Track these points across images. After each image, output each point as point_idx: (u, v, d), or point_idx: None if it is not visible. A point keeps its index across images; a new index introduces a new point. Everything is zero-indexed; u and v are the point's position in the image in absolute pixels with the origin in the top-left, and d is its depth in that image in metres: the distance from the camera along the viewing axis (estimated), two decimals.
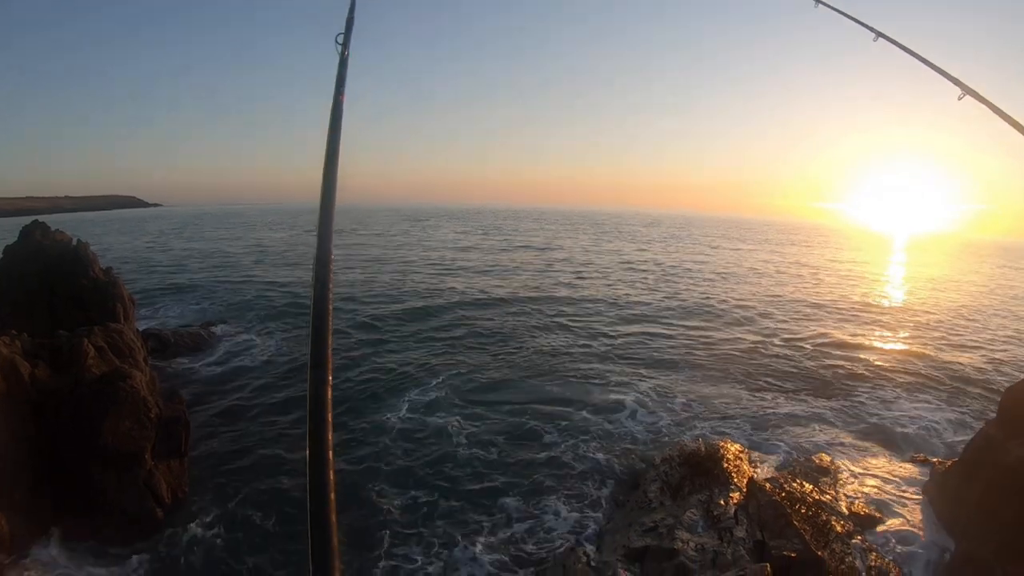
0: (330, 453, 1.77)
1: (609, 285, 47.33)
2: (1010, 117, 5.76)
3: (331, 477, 1.71)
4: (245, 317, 32.25)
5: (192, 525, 13.91)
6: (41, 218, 29.38)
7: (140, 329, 24.63)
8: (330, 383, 1.95)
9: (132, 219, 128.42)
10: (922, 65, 7.02)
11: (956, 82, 6.42)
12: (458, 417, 19.79)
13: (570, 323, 32.94)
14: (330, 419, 1.87)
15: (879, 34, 7.82)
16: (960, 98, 6.33)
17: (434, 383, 22.71)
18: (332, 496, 1.67)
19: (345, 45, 3.75)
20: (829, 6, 8.90)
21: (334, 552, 1.55)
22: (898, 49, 7.49)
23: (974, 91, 6.24)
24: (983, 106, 6.12)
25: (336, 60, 3.64)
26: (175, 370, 23.10)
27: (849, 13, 8.55)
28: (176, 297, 37.78)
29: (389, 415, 19.67)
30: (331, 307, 2.16)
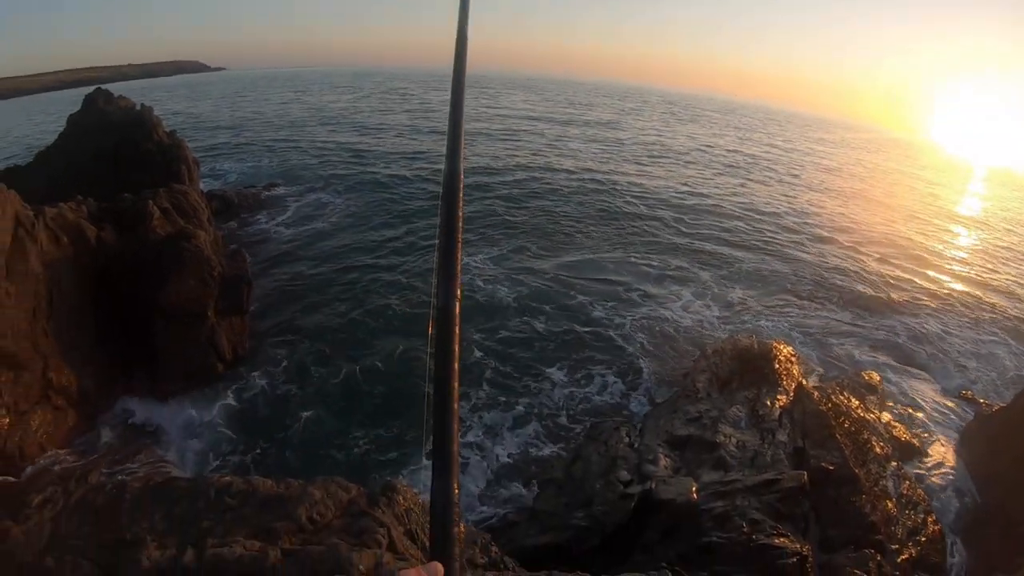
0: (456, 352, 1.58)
1: (681, 171, 45.65)
2: None
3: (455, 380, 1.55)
4: (307, 179, 32.39)
5: (250, 379, 14.54)
6: (105, 86, 29.51)
7: (204, 190, 24.96)
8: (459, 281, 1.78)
9: (196, 83, 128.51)
10: None
11: None
12: (512, 285, 19.85)
13: (637, 206, 32.20)
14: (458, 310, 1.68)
15: None
16: None
17: (495, 251, 22.69)
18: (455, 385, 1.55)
19: None
20: None
21: (454, 436, 1.49)
22: None
23: None
24: None
25: None
26: (239, 230, 23.47)
27: None
28: (240, 158, 38.16)
29: None
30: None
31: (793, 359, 16.21)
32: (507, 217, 26.87)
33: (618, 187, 35.22)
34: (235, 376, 14.56)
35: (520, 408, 13.96)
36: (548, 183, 34.24)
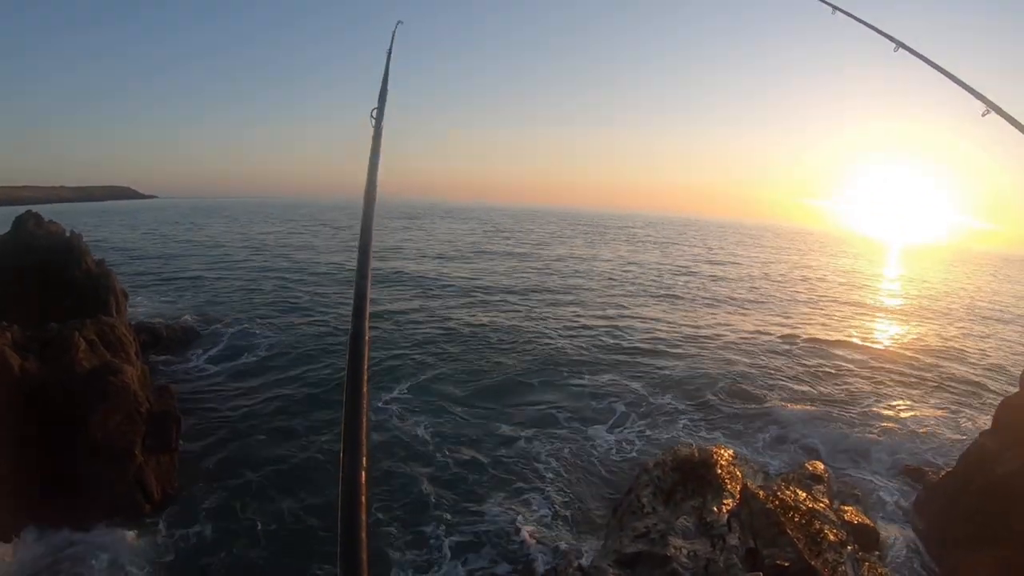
0: (364, 450, 1.71)
1: (610, 285, 47.23)
2: None
3: (364, 478, 1.65)
4: (237, 310, 32.12)
5: (179, 521, 13.79)
6: (38, 208, 29.31)
7: (132, 322, 24.48)
8: (366, 378, 1.91)
9: (128, 210, 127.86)
10: (943, 78, 6.94)
11: (981, 98, 6.28)
12: (431, 417, 19.70)
13: (562, 319, 32.93)
14: (366, 421, 1.80)
15: (900, 44, 7.69)
16: (984, 114, 6.20)
17: (421, 378, 22.67)
18: (364, 499, 1.62)
19: (379, 119, 3.71)
20: (848, 14, 8.76)
21: (363, 547, 1.52)
22: (918, 60, 7.40)
23: (1000, 108, 6.10)
24: (1008, 124, 5.97)
25: (370, 133, 3.58)
26: (167, 364, 22.92)
27: (869, 22, 8.42)
28: (169, 289, 37.62)
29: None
30: (368, 297, 2.17)
31: (736, 461, 16.30)
32: (425, 347, 26.78)
33: (543, 312, 35.74)
34: (162, 516, 13.88)
35: (447, 551, 13.51)
36: (469, 310, 34.67)
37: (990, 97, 6.21)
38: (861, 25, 8.49)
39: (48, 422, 14.26)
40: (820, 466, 16.77)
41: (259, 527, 13.67)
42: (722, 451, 16.72)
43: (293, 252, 59.01)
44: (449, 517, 14.45)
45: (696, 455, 16.58)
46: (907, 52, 7.53)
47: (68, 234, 26.77)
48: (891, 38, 7.79)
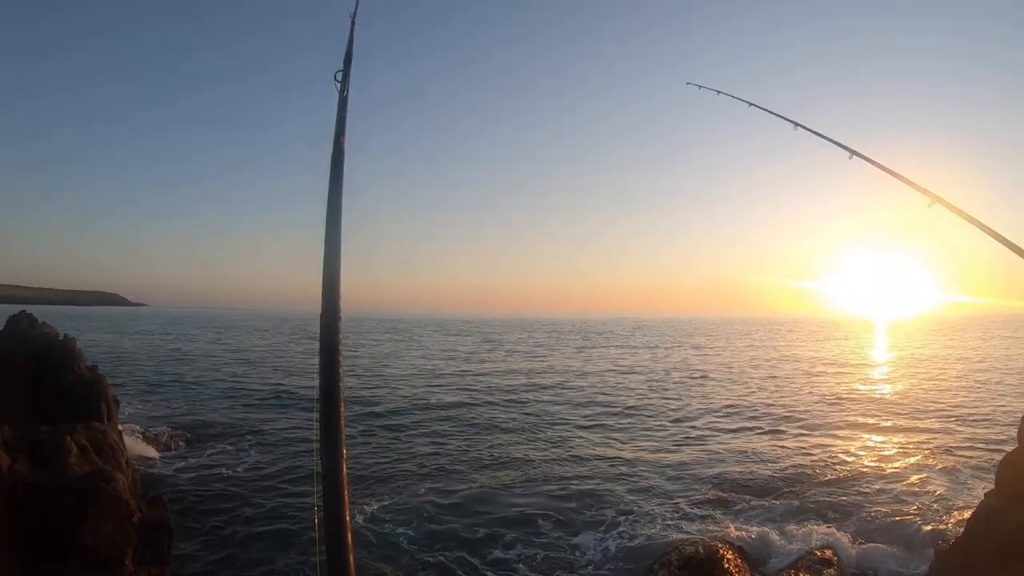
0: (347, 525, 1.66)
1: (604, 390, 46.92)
2: (977, 221, 6.30)
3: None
4: (229, 419, 31.72)
5: None
6: (26, 307, 29.31)
7: (122, 429, 24.03)
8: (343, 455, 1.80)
9: (116, 317, 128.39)
10: (893, 178, 7.52)
11: (925, 192, 6.94)
12: (412, 529, 18.96)
13: (545, 424, 32.54)
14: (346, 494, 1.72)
15: (853, 152, 8.42)
16: (930, 206, 6.81)
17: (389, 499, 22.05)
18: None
19: (344, 82, 3.42)
20: (808, 129, 9.49)
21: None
22: (871, 165, 8.09)
23: (942, 199, 6.75)
24: (952, 212, 6.62)
25: (335, 99, 3.29)
26: (158, 473, 22.36)
27: (826, 135, 9.18)
28: (159, 398, 37.26)
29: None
30: (342, 357, 2.05)
31: (743, 556, 16.03)
32: (400, 456, 26.21)
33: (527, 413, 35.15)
34: None
35: None
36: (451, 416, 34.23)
37: (935, 190, 6.91)
38: (822, 138, 9.26)
39: (36, 527, 13.73)
40: (829, 552, 16.40)
41: None
42: (728, 545, 16.49)
43: (280, 362, 59.02)
44: None
45: (701, 551, 16.24)
46: (861, 159, 8.26)
47: (62, 337, 26.62)
48: (847, 148, 8.56)
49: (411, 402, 40.53)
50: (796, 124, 9.76)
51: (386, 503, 20.67)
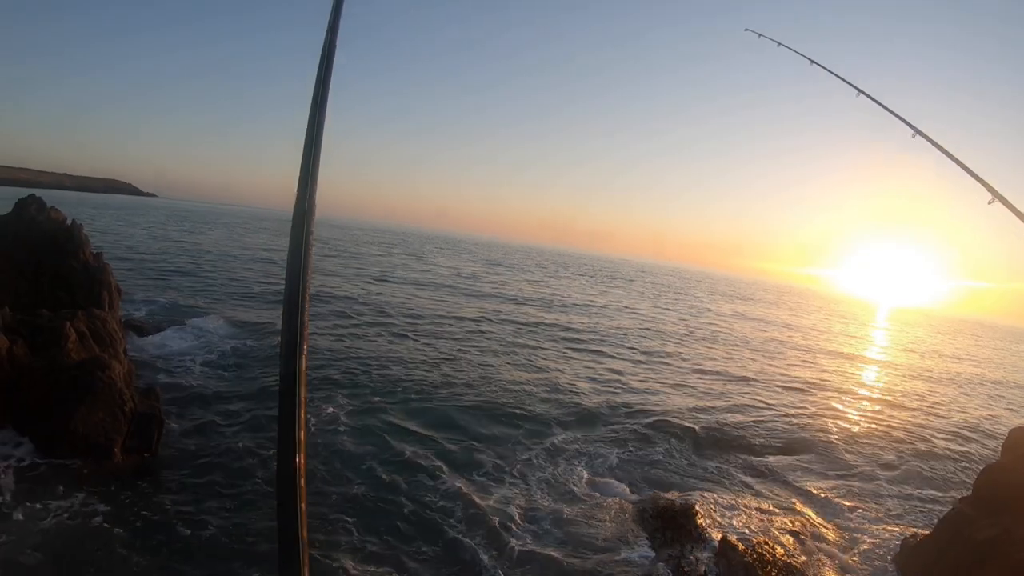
0: (302, 439, 1.69)
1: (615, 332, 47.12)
2: None
3: (301, 464, 1.65)
4: (230, 313, 32.12)
5: (144, 501, 13.45)
6: (38, 192, 29.11)
7: (123, 318, 24.32)
8: (304, 371, 1.83)
9: (127, 206, 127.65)
10: (953, 165, 7.10)
11: (989, 188, 6.48)
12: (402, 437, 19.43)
13: (554, 358, 32.79)
14: (303, 414, 1.76)
15: (917, 131, 7.85)
16: (990, 203, 6.37)
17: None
18: (302, 483, 1.63)
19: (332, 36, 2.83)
20: (871, 98, 8.99)
21: (303, 544, 1.54)
22: (932, 147, 7.60)
23: (1004, 198, 6.25)
24: (1012, 213, 6.03)
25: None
26: (155, 363, 22.63)
27: (890, 107, 8.58)
28: (162, 288, 37.45)
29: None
30: (307, 293, 1.97)
31: (716, 512, 16.58)
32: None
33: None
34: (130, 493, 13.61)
35: None
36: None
37: (996, 186, 6.44)
38: (885, 110, 8.67)
39: (29, 410, 14.10)
40: (799, 520, 16.84)
41: (226, 539, 13.06)
42: (703, 501, 16.93)
43: (281, 265, 59.25)
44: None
45: (676, 504, 16.67)
46: (924, 140, 7.76)
47: (69, 223, 26.56)
48: (911, 125, 8.00)
49: (414, 312, 40.96)
50: (859, 91, 9.25)
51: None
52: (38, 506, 12.48)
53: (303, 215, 2.13)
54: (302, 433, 1.71)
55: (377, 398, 22.47)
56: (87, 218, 49.04)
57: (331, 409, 20.66)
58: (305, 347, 1.86)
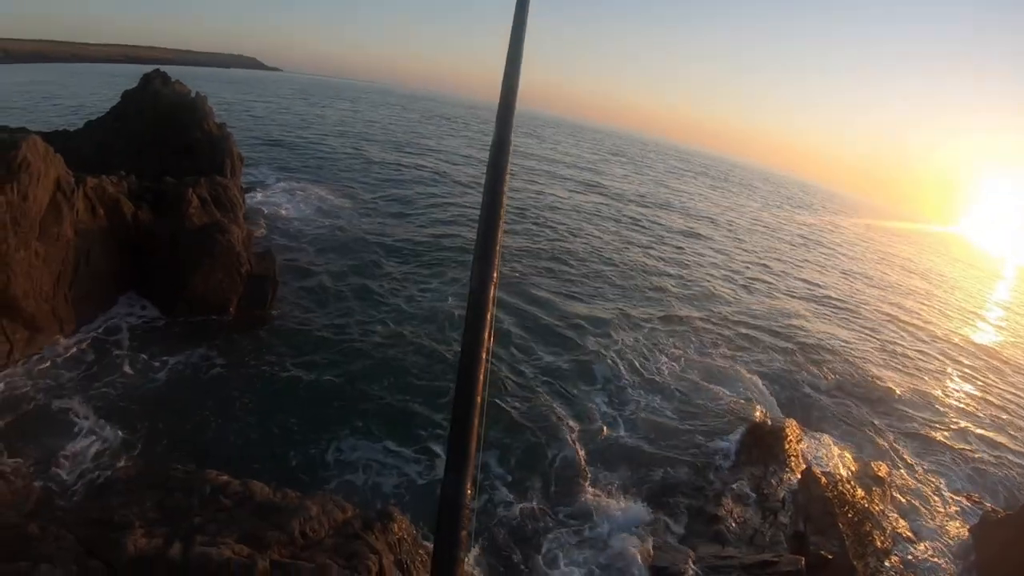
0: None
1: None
2: None
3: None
4: (351, 187, 32.77)
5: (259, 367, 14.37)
6: (164, 68, 29.82)
7: (244, 186, 25.11)
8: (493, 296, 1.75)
9: (252, 79, 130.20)
10: None
11: None
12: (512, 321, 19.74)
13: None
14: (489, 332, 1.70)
15: None
16: None
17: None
18: (477, 418, 1.59)
19: None
20: None
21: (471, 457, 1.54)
22: None
23: None
24: None
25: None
26: (272, 228, 23.43)
27: None
28: (285, 158, 38.37)
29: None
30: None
31: (804, 441, 16.22)
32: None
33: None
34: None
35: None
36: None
37: None
38: None
39: (153, 270, 14.91)
40: (885, 468, 15.99)
41: (329, 402, 13.66)
42: (794, 427, 16.50)
43: (415, 139, 59.99)
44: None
45: (768, 424, 16.45)
46: None
47: (193, 95, 27.26)
48: None
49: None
50: None
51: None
52: (156, 361, 13.51)
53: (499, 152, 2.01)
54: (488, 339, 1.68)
55: None
56: (212, 91, 50.14)
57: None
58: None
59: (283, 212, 25.83)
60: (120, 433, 11.23)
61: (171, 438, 11.50)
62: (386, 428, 12.91)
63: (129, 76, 31.81)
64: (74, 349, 13.23)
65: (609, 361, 18.71)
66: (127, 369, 13.06)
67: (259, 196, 27.05)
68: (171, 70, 30.38)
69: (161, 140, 23.96)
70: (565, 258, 27.97)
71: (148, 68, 29.81)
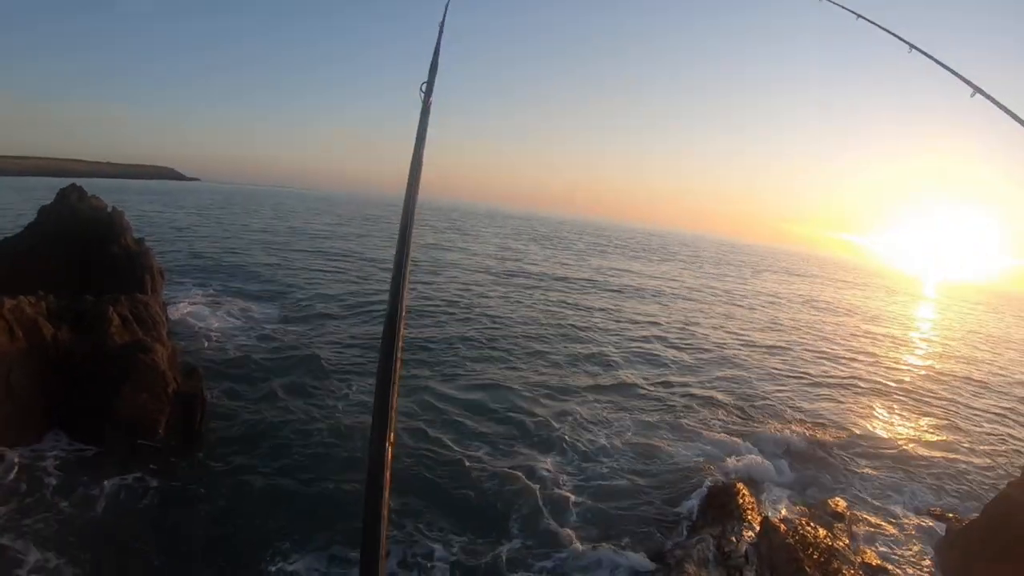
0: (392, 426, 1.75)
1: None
2: None
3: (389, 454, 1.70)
4: (276, 299, 32.18)
5: (194, 477, 13.92)
6: (81, 182, 29.46)
7: (166, 302, 24.63)
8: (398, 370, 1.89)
9: (172, 190, 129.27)
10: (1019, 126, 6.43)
11: None
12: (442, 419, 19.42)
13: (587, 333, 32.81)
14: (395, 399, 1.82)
15: (978, 89, 7.14)
16: None
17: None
18: (388, 475, 1.68)
19: (428, 93, 3.57)
20: (925, 54, 8.22)
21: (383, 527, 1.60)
22: (996, 109, 6.88)
23: None
24: None
25: (418, 109, 3.45)
26: (198, 343, 22.90)
27: (947, 64, 7.86)
28: (209, 269, 37.85)
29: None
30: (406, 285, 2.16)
31: (758, 492, 16.34)
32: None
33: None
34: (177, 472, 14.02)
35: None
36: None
37: None
38: (942, 67, 7.92)
39: (74, 393, 14.38)
40: (843, 503, 16.23)
41: (264, 522, 13.02)
42: (746, 481, 16.61)
43: (335, 242, 60.35)
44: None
45: (719, 483, 16.52)
46: (986, 100, 7.05)
47: (110, 210, 26.91)
48: (969, 83, 7.30)
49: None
50: (912, 46, 8.38)
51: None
52: (91, 490, 12.85)
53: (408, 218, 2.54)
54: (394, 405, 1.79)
55: None
56: (132, 204, 49.80)
57: None
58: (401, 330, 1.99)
59: (208, 325, 25.25)
60: (69, 568, 10.70)
61: (118, 570, 11.04)
62: (329, 535, 12.53)
63: (46, 189, 31.35)
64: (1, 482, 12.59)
65: (556, 434, 18.90)
66: (61, 501, 12.41)
67: (184, 309, 26.47)
68: (88, 183, 30.05)
69: (79, 257, 23.47)
70: (501, 342, 28.40)
71: (64, 181, 29.45)
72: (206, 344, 23.10)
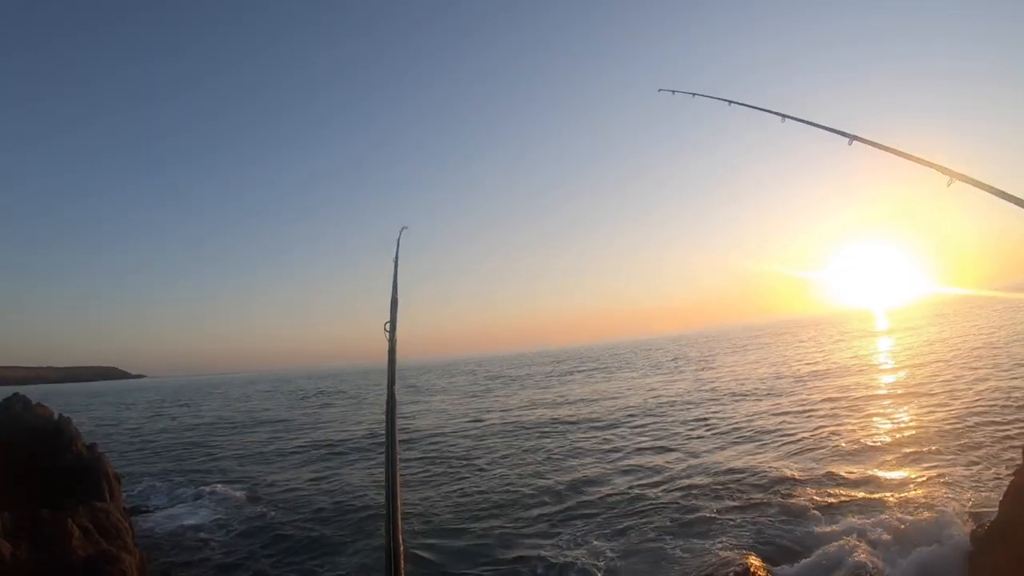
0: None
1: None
2: (1004, 192, 5.63)
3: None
4: (239, 479, 31.00)
5: None
6: (24, 388, 28.78)
7: (127, 507, 23.40)
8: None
9: (118, 390, 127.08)
10: (905, 160, 6.92)
11: (944, 170, 6.33)
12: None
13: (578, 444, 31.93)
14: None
15: (853, 137, 7.73)
16: (949, 184, 6.25)
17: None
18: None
19: (393, 330, 3.91)
20: (797, 119, 8.90)
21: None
22: (876, 148, 7.40)
23: (964, 175, 6.14)
24: (974, 187, 6.03)
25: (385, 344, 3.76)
26: (167, 544, 21.57)
27: (819, 123, 8.50)
28: (168, 465, 36.41)
29: None
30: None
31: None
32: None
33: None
34: None
35: None
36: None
37: (952, 166, 6.32)
38: (815, 127, 8.58)
39: None
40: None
41: None
42: (753, 561, 15.44)
43: (299, 417, 58.90)
44: None
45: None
46: (862, 143, 7.61)
47: (56, 417, 26.00)
48: (844, 133, 7.87)
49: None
50: (784, 116, 9.20)
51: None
52: None
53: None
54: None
55: None
56: (80, 408, 48.33)
57: None
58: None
59: (176, 523, 24.01)
60: None
61: None
62: None
63: None
64: None
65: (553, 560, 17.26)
66: None
67: (149, 512, 25.24)
68: (31, 390, 29.34)
69: (29, 470, 22.32)
70: (485, 490, 26.92)
71: (5, 389, 28.74)
72: (177, 543, 21.84)
